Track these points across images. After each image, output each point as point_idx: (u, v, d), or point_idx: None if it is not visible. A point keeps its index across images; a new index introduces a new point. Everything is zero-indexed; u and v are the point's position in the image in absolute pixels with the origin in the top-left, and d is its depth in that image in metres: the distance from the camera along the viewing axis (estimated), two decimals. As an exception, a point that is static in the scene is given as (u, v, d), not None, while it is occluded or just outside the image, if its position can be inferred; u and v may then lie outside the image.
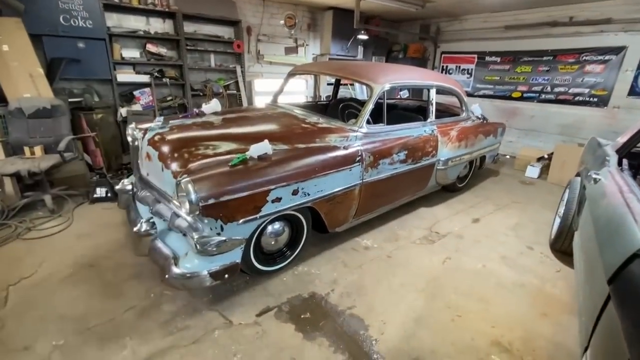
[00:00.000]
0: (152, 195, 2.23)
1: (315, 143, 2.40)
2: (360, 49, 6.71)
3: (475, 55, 6.53)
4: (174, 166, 2.02)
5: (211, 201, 1.74)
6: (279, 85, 3.57)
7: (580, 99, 5.30)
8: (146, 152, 2.25)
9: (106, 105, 4.28)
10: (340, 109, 3.23)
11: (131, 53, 4.42)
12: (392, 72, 2.98)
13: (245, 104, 5.45)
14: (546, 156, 5.10)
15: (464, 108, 3.88)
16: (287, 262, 2.41)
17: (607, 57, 4.95)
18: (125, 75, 4.38)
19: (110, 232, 2.82)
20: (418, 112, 4.01)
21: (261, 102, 5.85)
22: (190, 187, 1.73)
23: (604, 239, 1.42)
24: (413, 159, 3.02)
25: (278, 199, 2.02)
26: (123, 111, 4.33)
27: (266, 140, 2.08)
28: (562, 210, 2.95)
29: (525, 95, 5.94)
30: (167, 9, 4.46)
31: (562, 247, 2.72)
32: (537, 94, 5.78)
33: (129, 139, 2.76)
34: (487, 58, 6.35)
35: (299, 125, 2.60)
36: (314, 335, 1.87)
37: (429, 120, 3.28)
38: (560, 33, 5.37)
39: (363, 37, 5.94)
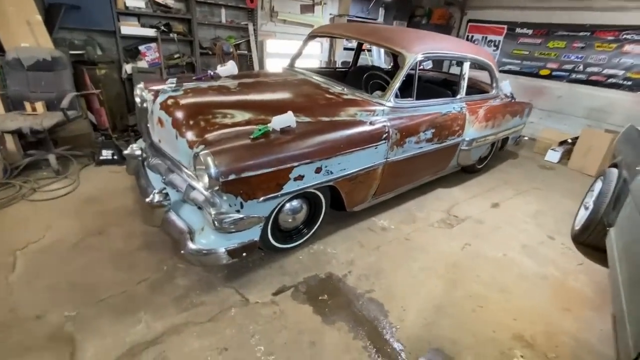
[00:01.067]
0: (165, 164, 2.09)
1: (340, 117, 2.21)
2: (382, 11, 6.23)
3: (505, 26, 6.07)
4: (190, 135, 1.85)
5: (232, 177, 1.60)
6: (298, 48, 3.29)
7: (613, 81, 4.98)
8: (158, 116, 2.07)
9: (110, 60, 3.99)
10: (365, 78, 2.98)
11: (136, 2, 4.04)
12: (427, 40, 2.70)
13: (256, 65, 5.12)
14: (570, 140, 4.88)
15: (494, 85, 3.61)
16: (303, 239, 2.32)
17: (650, 37, 4.56)
18: (129, 28, 4.04)
19: (118, 197, 2.71)
20: (443, 85, 3.75)
21: (273, 64, 5.54)
22: (209, 160, 1.58)
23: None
24: (439, 138, 2.83)
25: (300, 177, 1.88)
26: (128, 68, 4.05)
27: (290, 112, 1.89)
28: (589, 201, 2.82)
29: (554, 73, 5.58)
30: (175, -47, 4.03)
31: (586, 241, 2.62)
32: (568, 73, 5.42)
33: (137, 99, 2.57)
34: (518, 30, 5.91)
35: (323, 96, 2.39)
36: (332, 318, 1.81)
37: (458, 96, 3.05)
38: (602, 6, 4.92)
39: (387, -2, 5.46)
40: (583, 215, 2.80)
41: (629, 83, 4.82)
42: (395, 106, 2.47)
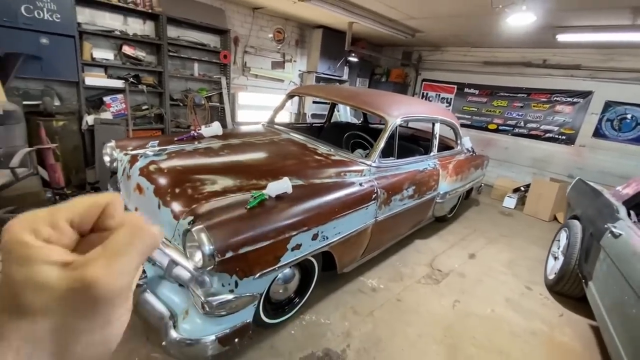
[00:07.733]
0: (142, 235, 1.86)
1: (331, 178, 2.20)
2: (346, 69, 6.69)
3: (455, 86, 6.80)
4: (175, 204, 1.69)
5: (229, 254, 1.45)
6: (278, 105, 3.34)
7: (550, 135, 5.69)
8: (137, 183, 1.88)
9: (69, 110, 3.71)
10: (345, 137, 3.07)
11: (103, 54, 3.91)
12: (404, 105, 2.89)
13: (228, 117, 5.09)
14: (522, 188, 5.36)
15: (459, 141, 3.91)
16: (295, 310, 2.14)
17: (575, 100, 5.37)
18: (95, 79, 3.85)
19: (74, 269, 2.34)
20: (411, 141, 3.99)
21: (244, 115, 5.57)
22: (204, 236, 1.42)
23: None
24: (419, 194, 2.92)
25: (298, 246, 1.78)
26: (90, 119, 3.78)
27: (286, 178, 1.83)
28: (557, 251, 3.02)
29: (500, 127, 6.26)
30: (149, 10, 4.04)
31: (562, 290, 2.75)
32: (512, 128, 6.11)
33: (106, 158, 2.37)
34: (466, 89, 6.64)
35: (312, 157, 2.39)
36: (337, 408, 1.62)
37: (432, 153, 3.24)
38: (534, 73, 5.76)
39: (354, 59, 5.91)
40: (554, 265, 2.98)
41: (564, 137, 5.54)
42: (380, 166, 2.54)
